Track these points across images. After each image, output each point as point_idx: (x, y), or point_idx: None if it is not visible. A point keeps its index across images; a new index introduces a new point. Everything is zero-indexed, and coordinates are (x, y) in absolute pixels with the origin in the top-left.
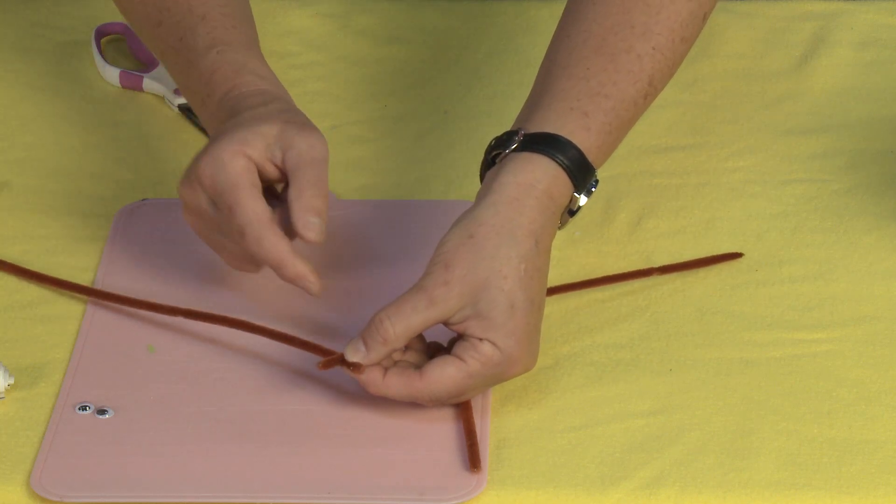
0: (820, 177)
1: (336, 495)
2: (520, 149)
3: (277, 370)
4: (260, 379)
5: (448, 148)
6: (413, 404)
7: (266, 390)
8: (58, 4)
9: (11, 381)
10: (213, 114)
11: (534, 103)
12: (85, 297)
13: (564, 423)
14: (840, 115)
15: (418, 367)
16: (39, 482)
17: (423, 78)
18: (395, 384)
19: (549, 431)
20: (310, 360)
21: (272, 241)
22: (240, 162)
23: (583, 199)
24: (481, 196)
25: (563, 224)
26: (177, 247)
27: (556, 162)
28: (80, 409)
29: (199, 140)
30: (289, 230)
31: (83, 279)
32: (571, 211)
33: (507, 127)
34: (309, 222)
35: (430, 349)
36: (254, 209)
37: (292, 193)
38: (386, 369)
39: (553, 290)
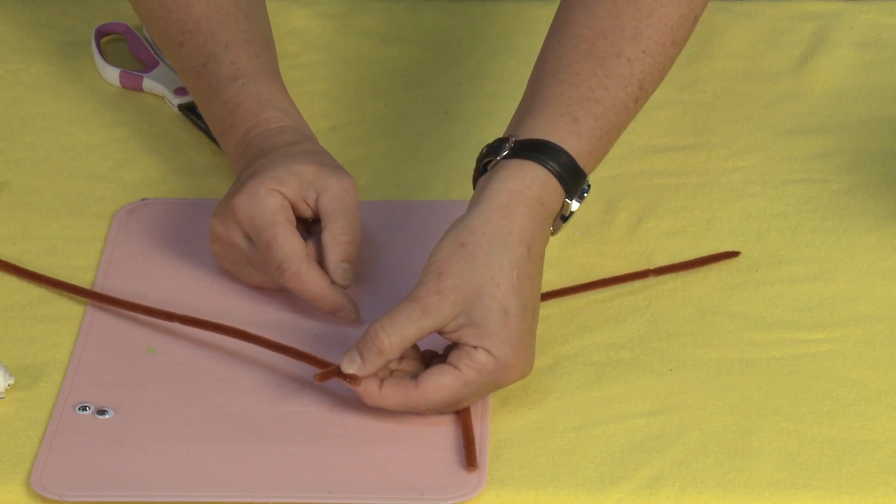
0: (820, 177)
1: (336, 495)
2: (511, 155)
3: (277, 371)
4: (260, 379)
5: (448, 148)
6: None
7: (266, 391)
8: (58, 4)
9: (11, 381)
10: (237, 145)
11: (524, 109)
12: (85, 298)
13: (564, 423)
14: (840, 115)
15: (414, 376)
16: (39, 482)
17: (423, 78)
18: (392, 395)
19: (549, 431)
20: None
21: (311, 276)
22: (276, 199)
23: (575, 205)
24: (473, 204)
25: (556, 230)
26: (177, 247)
27: (547, 168)
28: (80, 409)
29: (199, 140)
30: (320, 262)
31: (83, 279)
32: (564, 217)
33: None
34: (340, 268)
35: (426, 357)
36: (291, 246)
37: (328, 238)
38: (382, 380)
39: (548, 295)
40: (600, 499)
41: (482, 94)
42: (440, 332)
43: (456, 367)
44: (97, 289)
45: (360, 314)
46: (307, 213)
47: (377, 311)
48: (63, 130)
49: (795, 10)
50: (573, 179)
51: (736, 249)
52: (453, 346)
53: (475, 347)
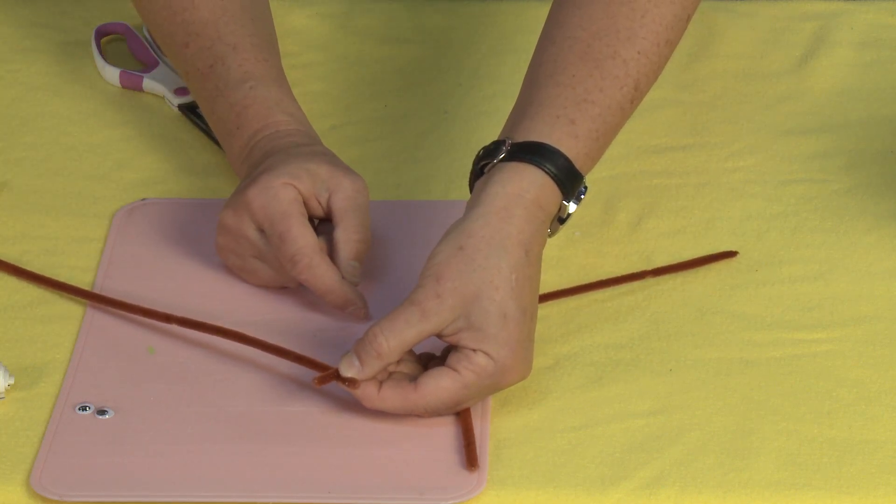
0: (820, 177)
1: (336, 495)
2: (507, 158)
3: (277, 371)
4: (260, 379)
5: (448, 148)
6: None
7: (266, 390)
8: (58, 4)
9: (11, 381)
10: (242, 147)
11: (520, 112)
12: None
13: (564, 423)
14: (840, 115)
15: (412, 378)
16: (39, 482)
17: (423, 78)
18: (391, 397)
19: (549, 431)
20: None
21: (323, 269)
22: (291, 192)
23: (572, 207)
24: (470, 207)
25: (553, 232)
26: (177, 246)
27: (544, 171)
28: (80, 409)
29: (199, 140)
30: (331, 258)
31: (83, 279)
32: (561, 219)
33: None
34: (350, 265)
35: (423, 359)
36: (305, 239)
37: (340, 235)
38: (381, 383)
39: (545, 297)
40: (600, 499)
41: (482, 94)
42: (439, 336)
43: (455, 370)
44: (97, 289)
45: (368, 313)
46: (318, 211)
47: (377, 310)
48: (63, 130)
49: (795, 10)
50: (570, 181)
51: (736, 249)
52: (452, 348)
53: (474, 350)
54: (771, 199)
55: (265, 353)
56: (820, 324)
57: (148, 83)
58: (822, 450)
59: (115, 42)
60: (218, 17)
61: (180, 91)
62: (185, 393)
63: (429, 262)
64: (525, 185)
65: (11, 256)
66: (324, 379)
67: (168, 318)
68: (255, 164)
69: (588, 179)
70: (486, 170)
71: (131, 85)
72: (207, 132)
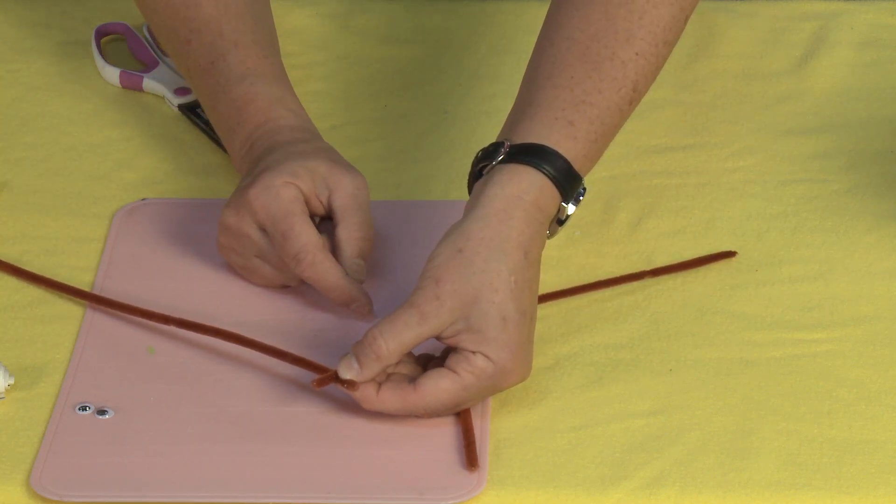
0: (820, 177)
1: (336, 495)
2: (506, 160)
3: (277, 371)
4: (260, 379)
5: (448, 148)
6: None
7: (266, 391)
8: (58, 4)
9: (11, 381)
10: (243, 142)
11: (519, 113)
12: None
13: (564, 423)
14: (840, 115)
15: (411, 379)
16: (39, 482)
17: (423, 78)
18: (390, 399)
19: (549, 431)
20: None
21: (327, 266)
22: (292, 191)
23: (571, 208)
24: (469, 209)
25: (552, 233)
26: (177, 246)
27: (543, 173)
28: (80, 409)
29: (199, 140)
30: (334, 256)
31: (83, 279)
32: (560, 220)
33: None
34: (355, 263)
35: (422, 360)
36: (308, 236)
37: (343, 233)
38: (380, 384)
39: (546, 297)
40: (600, 499)
41: (482, 94)
42: (438, 338)
43: (454, 372)
44: (97, 289)
45: (372, 310)
46: (319, 209)
47: (377, 310)
48: (63, 130)
49: (795, 10)
50: (569, 183)
51: (736, 249)
52: (451, 350)
53: (473, 352)
54: (771, 199)
55: (265, 354)
56: (820, 324)
57: (148, 83)
58: (822, 450)
59: (115, 42)
60: (220, 14)
61: (180, 91)
62: (185, 393)
63: (428, 264)
64: (524, 186)
65: (11, 256)
66: (323, 381)
67: (167, 320)
68: (256, 160)
69: (588, 180)
70: (484, 172)
71: (131, 85)
72: (207, 132)
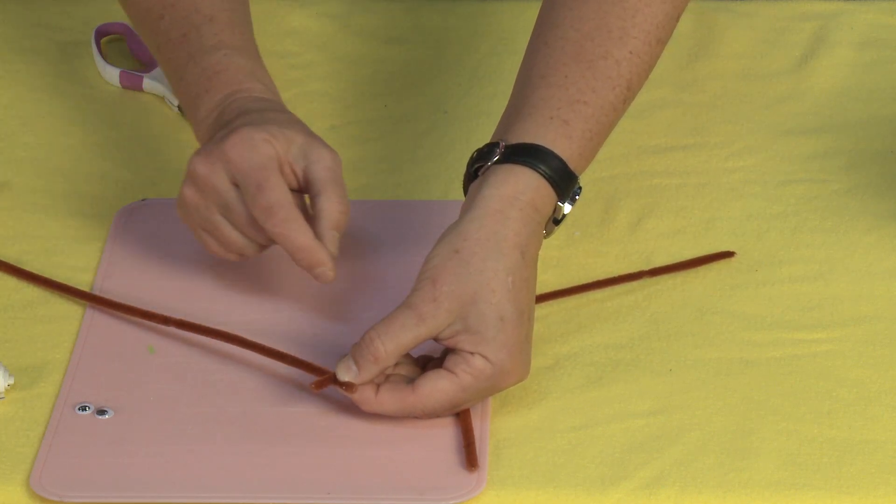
0: (820, 177)
1: (336, 495)
2: (502, 160)
3: (277, 372)
4: (260, 380)
5: (448, 148)
6: None
7: (266, 391)
8: (58, 4)
9: (11, 381)
10: (212, 109)
11: (513, 113)
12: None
13: (564, 423)
14: (840, 115)
15: (410, 380)
16: (39, 482)
17: (423, 78)
18: (389, 400)
19: (549, 431)
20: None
21: (299, 225)
22: (271, 149)
23: (567, 208)
24: (465, 210)
25: (549, 233)
26: (177, 246)
27: (539, 172)
28: (80, 409)
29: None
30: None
31: (83, 279)
32: (556, 220)
33: None
34: (331, 234)
35: (421, 361)
36: (283, 191)
37: (324, 204)
38: (378, 386)
39: (545, 297)
40: (600, 499)
41: (482, 94)
42: (436, 339)
43: (453, 373)
44: (97, 289)
45: (334, 277)
46: (290, 179)
47: (375, 310)
48: (63, 130)
49: (795, 10)
50: (565, 182)
51: (735, 249)
52: (449, 350)
53: (472, 353)
54: (771, 199)
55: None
56: (820, 324)
57: (148, 83)
58: (822, 450)
59: (115, 42)
60: None
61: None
62: (185, 393)
63: (425, 265)
64: (520, 187)
65: (11, 256)
66: (321, 383)
67: (166, 321)
68: (226, 124)
69: (588, 180)
70: (480, 172)
71: (131, 85)
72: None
